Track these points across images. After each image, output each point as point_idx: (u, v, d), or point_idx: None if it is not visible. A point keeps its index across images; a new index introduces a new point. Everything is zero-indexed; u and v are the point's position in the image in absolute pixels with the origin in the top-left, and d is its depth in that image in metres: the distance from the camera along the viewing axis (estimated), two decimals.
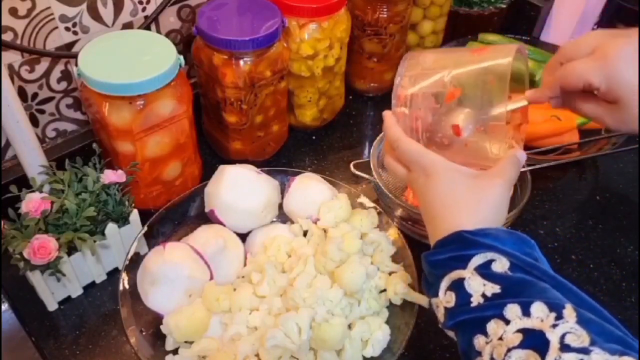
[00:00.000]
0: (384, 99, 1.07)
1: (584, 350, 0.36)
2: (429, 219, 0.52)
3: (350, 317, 0.65)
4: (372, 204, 0.76)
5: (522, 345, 0.39)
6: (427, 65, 0.56)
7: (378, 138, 0.83)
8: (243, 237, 0.74)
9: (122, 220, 0.71)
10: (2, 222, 0.65)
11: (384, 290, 0.68)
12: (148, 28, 0.82)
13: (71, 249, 0.67)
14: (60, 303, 0.71)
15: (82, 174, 0.69)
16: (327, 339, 0.60)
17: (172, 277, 0.64)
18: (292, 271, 0.67)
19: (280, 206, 0.77)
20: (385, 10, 0.94)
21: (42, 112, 0.80)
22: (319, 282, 0.65)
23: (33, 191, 0.66)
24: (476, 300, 0.43)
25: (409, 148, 0.54)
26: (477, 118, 0.52)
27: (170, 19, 0.86)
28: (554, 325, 0.38)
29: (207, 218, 0.75)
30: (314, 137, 0.98)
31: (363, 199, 0.77)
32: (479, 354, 0.42)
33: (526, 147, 0.59)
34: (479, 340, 0.42)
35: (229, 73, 0.77)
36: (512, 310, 0.41)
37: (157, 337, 0.64)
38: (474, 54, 0.54)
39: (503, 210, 0.50)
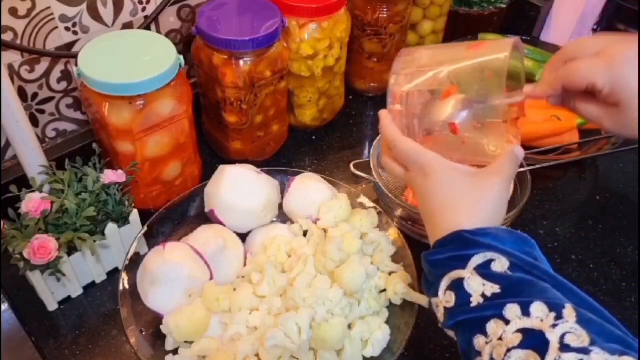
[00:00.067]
0: (384, 99, 1.04)
1: (584, 350, 0.36)
2: (428, 218, 0.52)
3: (350, 317, 0.65)
4: (372, 204, 0.76)
5: (521, 346, 0.39)
6: (423, 62, 0.55)
7: (378, 138, 0.83)
8: (243, 237, 0.74)
9: (122, 220, 0.71)
10: (2, 222, 0.65)
11: (384, 290, 0.68)
12: (148, 28, 0.82)
13: (71, 249, 0.67)
14: (60, 303, 0.71)
15: (82, 174, 0.69)
16: (327, 339, 0.60)
17: (172, 277, 0.64)
18: (292, 271, 0.67)
19: (280, 206, 0.77)
20: (385, 10, 0.94)
21: (42, 112, 0.80)
22: (319, 282, 0.65)
23: (33, 191, 0.66)
24: (476, 300, 0.43)
25: (406, 147, 0.53)
26: (474, 115, 0.52)
27: (170, 19, 0.86)
28: (554, 325, 0.38)
29: (207, 218, 0.75)
30: (314, 137, 0.98)
31: (363, 199, 0.77)
32: (479, 354, 0.42)
33: (526, 147, 0.59)
34: (478, 341, 0.42)
35: (229, 73, 0.77)
36: (512, 310, 0.41)
37: (157, 337, 0.64)
38: (470, 49, 0.54)
39: (502, 208, 0.50)
